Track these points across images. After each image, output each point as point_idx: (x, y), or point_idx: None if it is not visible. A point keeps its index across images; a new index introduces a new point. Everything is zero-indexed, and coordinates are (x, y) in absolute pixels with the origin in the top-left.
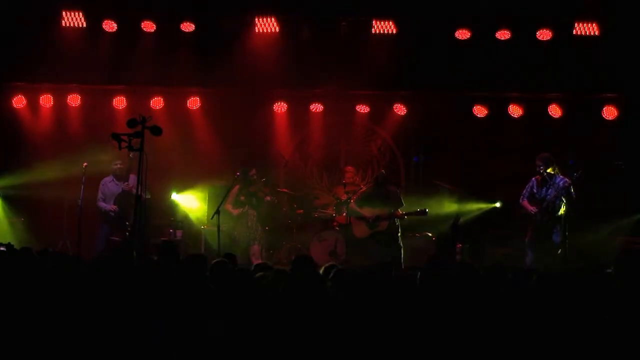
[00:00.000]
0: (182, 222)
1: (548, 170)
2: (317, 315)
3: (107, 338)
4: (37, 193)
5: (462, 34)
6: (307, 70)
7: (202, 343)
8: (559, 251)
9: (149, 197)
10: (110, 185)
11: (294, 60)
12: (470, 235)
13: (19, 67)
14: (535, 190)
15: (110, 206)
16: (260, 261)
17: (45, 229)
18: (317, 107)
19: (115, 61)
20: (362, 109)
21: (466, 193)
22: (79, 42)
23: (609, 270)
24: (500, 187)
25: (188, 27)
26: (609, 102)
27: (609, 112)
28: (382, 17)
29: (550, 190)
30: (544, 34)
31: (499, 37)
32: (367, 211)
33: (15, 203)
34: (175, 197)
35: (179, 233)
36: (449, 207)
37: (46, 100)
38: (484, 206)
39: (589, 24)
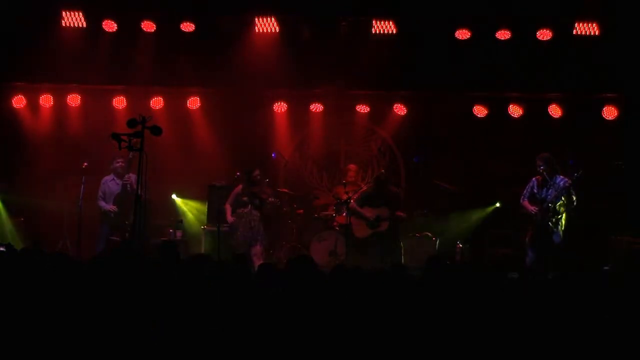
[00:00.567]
0: (182, 222)
1: (549, 171)
2: (317, 315)
3: (107, 338)
4: (37, 193)
5: (462, 34)
6: (307, 70)
7: (202, 343)
8: (559, 251)
9: (148, 197)
10: (110, 184)
11: (294, 60)
12: (470, 235)
13: (19, 67)
14: (535, 191)
15: (109, 206)
16: (262, 261)
17: (45, 229)
18: (317, 107)
19: (115, 61)
20: (362, 109)
21: (466, 193)
22: (79, 42)
23: (605, 268)
24: (500, 187)
25: (188, 27)
26: (609, 102)
27: (609, 112)
28: (382, 17)
29: (550, 191)
30: (544, 34)
31: (499, 37)
32: (368, 211)
33: (15, 203)
34: (175, 197)
35: (179, 233)
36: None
37: (46, 100)
38: (483, 213)
39: (589, 24)
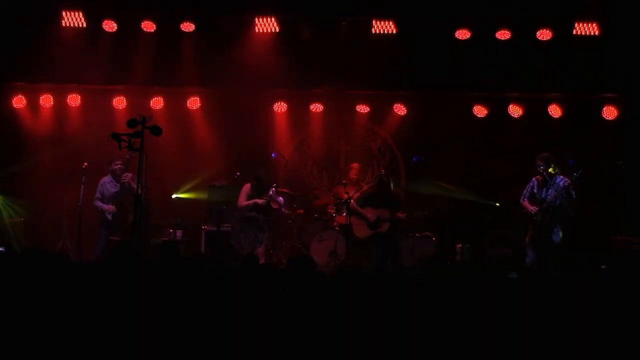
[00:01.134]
0: (182, 222)
1: (549, 170)
2: (316, 315)
3: (107, 338)
4: (37, 193)
5: (462, 34)
6: (307, 70)
7: (202, 343)
8: (559, 251)
9: (148, 197)
10: (108, 186)
11: (294, 60)
12: (470, 235)
13: (19, 67)
14: (535, 191)
15: (107, 206)
16: (262, 262)
17: (45, 229)
18: (317, 107)
19: (115, 61)
20: (362, 109)
21: (466, 193)
22: (79, 42)
23: (603, 267)
24: (500, 187)
25: (188, 27)
26: (609, 102)
27: (609, 112)
28: (382, 17)
29: (550, 191)
30: (544, 34)
31: (499, 37)
32: (369, 212)
33: (15, 203)
34: (175, 197)
35: (179, 233)
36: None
37: (46, 100)
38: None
39: (589, 24)
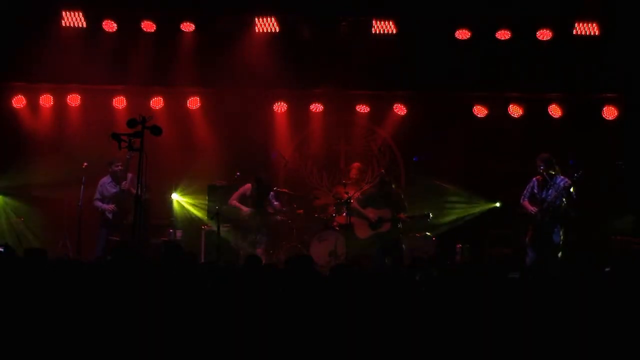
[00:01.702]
0: (182, 222)
1: (549, 171)
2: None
3: (107, 338)
4: (37, 193)
5: (462, 34)
6: (307, 70)
7: (202, 343)
8: (559, 251)
9: (148, 197)
10: (108, 187)
11: (294, 60)
12: (470, 235)
13: (19, 67)
14: (536, 191)
15: (107, 206)
16: (263, 262)
17: (45, 229)
18: (317, 107)
19: (115, 61)
20: (362, 109)
21: (466, 193)
22: (79, 42)
23: (607, 269)
24: (500, 187)
25: (188, 27)
26: (609, 102)
27: (609, 112)
28: (382, 17)
29: (550, 191)
30: (544, 34)
31: (499, 37)
32: (371, 212)
33: (15, 203)
34: (175, 197)
35: (179, 233)
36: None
37: (46, 100)
38: (484, 206)
39: (589, 24)
